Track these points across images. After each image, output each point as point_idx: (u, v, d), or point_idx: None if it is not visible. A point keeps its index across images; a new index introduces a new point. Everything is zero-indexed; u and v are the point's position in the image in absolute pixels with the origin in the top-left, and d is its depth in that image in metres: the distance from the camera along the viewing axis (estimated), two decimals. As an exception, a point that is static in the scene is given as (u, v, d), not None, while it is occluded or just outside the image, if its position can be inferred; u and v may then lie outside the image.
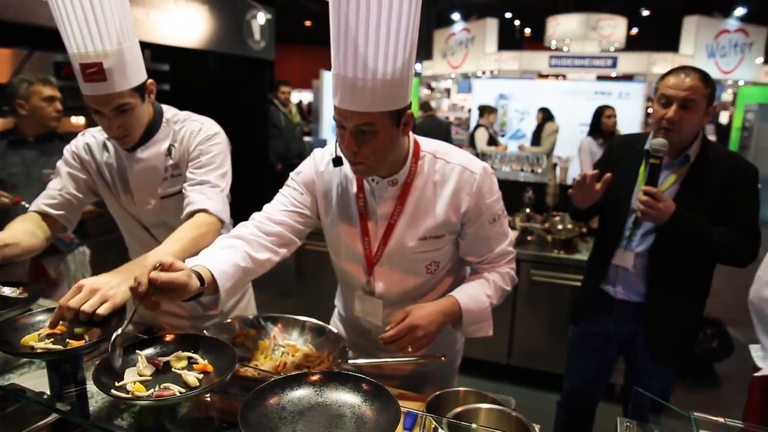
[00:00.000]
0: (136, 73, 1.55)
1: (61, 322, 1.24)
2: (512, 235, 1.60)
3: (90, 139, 1.80)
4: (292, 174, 1.56)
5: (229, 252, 1.33)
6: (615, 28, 13.47)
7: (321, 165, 1.52)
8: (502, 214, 1.51)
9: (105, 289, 1.23)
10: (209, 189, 1.67)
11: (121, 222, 1.90)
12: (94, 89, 1.48)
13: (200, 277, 1.19)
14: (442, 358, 1.51)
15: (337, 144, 1.34)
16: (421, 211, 1.44)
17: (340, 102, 1.24)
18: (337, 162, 1.37)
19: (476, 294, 1.49)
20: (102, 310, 1.20)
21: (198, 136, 1.74)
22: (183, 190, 1.70)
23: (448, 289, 1.56)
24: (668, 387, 2.16)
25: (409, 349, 1.38)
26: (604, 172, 1.97)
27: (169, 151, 1.75)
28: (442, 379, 1.73)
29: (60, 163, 1.80)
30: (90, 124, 3.96)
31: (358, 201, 1.47)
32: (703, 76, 1.89)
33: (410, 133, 1.44)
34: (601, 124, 5.41)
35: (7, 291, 1.52)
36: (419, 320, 1.37)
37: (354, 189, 1.47)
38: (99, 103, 1.51)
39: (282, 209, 1.50)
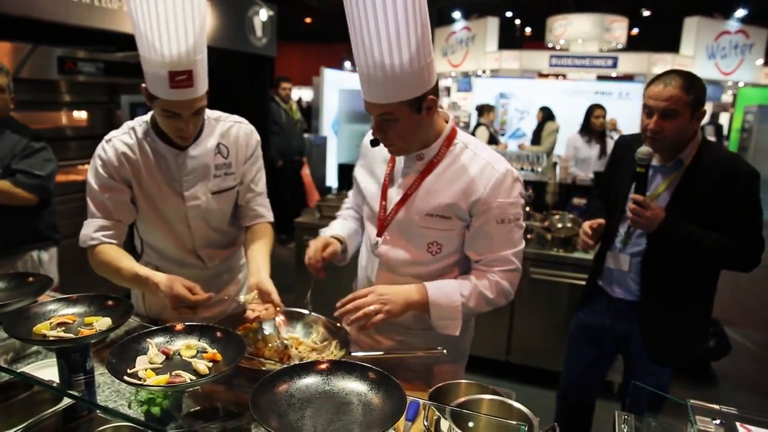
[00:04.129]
0: (207, 76, 1.61)
1: (70, 314, 1.27)
2: (521, 249, 1.58)
3: (122, 147, 1.72)
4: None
5: (349, 222, 1.81)
6: (623, 30, 13.49)
7: (366, 139, 1.64)
8: (515, 220, 1.51)
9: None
10: (266, 200, 1.96)
11: (147, 225, 1.84)
12: (181, 95, 1.51)
13: (340, 240, 1.67)
14: (444, 351, 1.53)
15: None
16: (436, 189, 1.50)
17: (364, 95, 1.38)
18: (374, 143, 1.51)
19: (449, 291, 1.51)
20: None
21: (253, 139, 1.88)
22: (245, 201, 1.90)
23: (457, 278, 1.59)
24: (664, 387, 2.16)
25: (356, 314, 1.43)
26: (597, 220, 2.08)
27: (218, 149, 1.80)
28: (449, 375, 1.72)
29: (96, 186, 1.71)
30: (92, 118, 3.98)
31: (387, 167, 1.61)
32: (686, 83, 1.83)
33: (451, 120, 1.55)
34: (590, 123, 5.54)
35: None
36: (384, 287, 1.48)
37: (388, 156, 1.60)
38: (182, 107, 1.55)
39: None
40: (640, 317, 2.09)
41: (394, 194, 1.56)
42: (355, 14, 1.26)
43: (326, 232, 1.72)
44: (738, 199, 1.87)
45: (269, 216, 1.95)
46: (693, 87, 1.83)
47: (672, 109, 1.83)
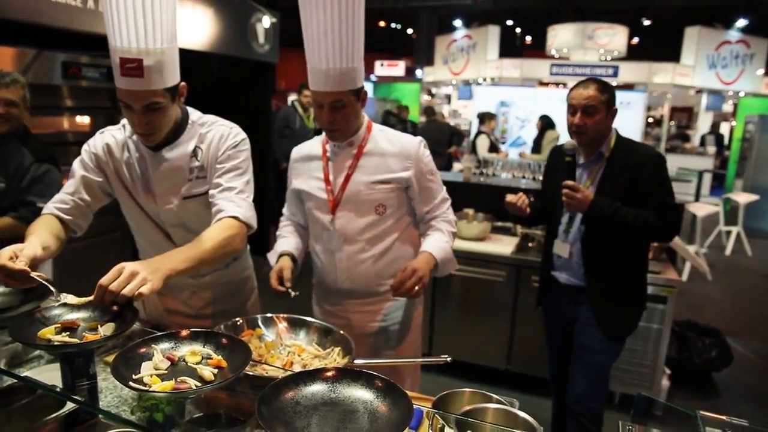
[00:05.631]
0: (172, 74, 1.58)
1: (76, 318, 1.27)
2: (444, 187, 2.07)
3: (110, 139, 1.79)
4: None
5: (290, 238, 2.09)
6: (613, 36, 13.52)
7: (296, 152, 2.11)
8: (436, 170, 2.01)
9: (144, 273, 1.29)
10: (237, 196, 1.72)
11: (136, 223, 1.89)
12: (129, 84, 1.50)
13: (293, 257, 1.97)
14: (448, 360, 1.54)
15: (315, 120, 1.83)
16: (372, 165, 1.91)
17: (320, 87, 1.76)
18: (317, 132, 1.68)
19: (441, 245, 1.95)
20: (144, 290, 1.26)
21: (227, 141, 1.77)
22: (210, 197, 1.74)
23: (400, 235, 1.98)
24: (606, 367, 2.38)
25: (416, 288, 1.76)
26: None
27: (194, 153, 1.76)
28: (401, 335, 2.07)
29: (76, 165, 1.79)
30: (95, 123, 3.99)
31: (322, 160, 1.97)
32: (601, 85, 2.24)
33: (365, 114, 1.97)
34: None
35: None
36: (417, 264, 1.81)
37: (320, 153, 1.98)
38: (131, 98, 1.53)
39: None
40: (589, 298, 2.34)
41: (337, 177, 1.92)
42: (315, 25, 1.68)
43: (277, 250, 2.01)
44: (649, 178, 2.21)
45: (231, 210, 1.67)
46: (606, 89, 2.24)
47: (591, 106, 2.21)
